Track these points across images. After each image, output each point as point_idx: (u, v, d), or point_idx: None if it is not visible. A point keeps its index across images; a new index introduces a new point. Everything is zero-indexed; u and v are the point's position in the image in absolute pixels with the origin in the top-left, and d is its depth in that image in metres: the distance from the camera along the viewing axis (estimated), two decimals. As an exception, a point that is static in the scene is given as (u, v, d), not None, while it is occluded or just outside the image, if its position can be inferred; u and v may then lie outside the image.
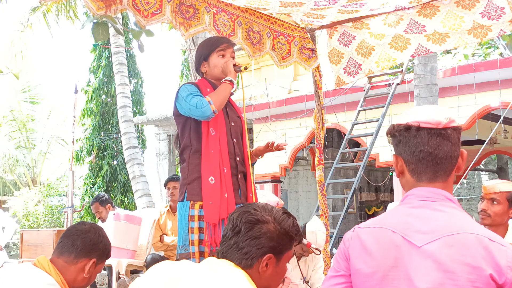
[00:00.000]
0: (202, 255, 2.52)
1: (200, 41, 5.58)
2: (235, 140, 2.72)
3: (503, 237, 2.73)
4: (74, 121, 4.26)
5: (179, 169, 2.86)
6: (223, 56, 2.74)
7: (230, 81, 2.65)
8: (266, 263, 1.52)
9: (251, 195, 2.71)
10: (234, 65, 2.70)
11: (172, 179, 4.97)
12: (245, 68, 2.74)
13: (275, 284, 1.60)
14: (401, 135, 1.41)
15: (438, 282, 1.24)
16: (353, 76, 3.87)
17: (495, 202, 2.77)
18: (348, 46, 3.85)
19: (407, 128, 1.39)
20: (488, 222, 2.77)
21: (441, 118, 1.37)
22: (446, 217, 1.32)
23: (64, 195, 14.23)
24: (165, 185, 4.99)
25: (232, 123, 2.73)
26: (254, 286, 1.45)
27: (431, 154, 1.37)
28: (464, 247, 1.25)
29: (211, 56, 2.74)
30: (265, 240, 1.52)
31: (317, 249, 3.45)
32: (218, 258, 1.55)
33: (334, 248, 7.39)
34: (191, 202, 2.55)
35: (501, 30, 3.26)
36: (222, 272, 1.43)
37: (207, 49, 2.76)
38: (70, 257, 2.10)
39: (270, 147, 2.83)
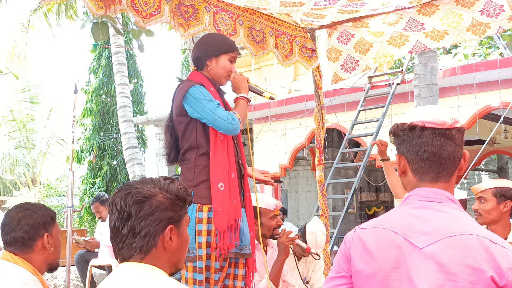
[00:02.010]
0: (208, 258, 2.51)
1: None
2: (235, 142, 2.71)
3: (506, 237, 2.73)
4: (74, 121, 4.25)
5: (179, 169, 2.82)
6: (231, 62, 2.72)
7: (248, 99, 2.69)
8: (170, 236, 1.42)
9: (248, 194, 2.71)
10: (247, 81, 2.73)
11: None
12: (271, 98, 2.77)
13: (183, 256, 1.51)
14: (405, 134, 1.40)
15: (439, 283, 1.24)
16: (350, 72, 3.85)
17: (483, 201, 2.83)
18: (346, 44, 3.85)
19: (412, 127, 1.39)
20: (481, 221, 2.81)
21: (446, 118, 1.36)
22: (447, 218, 1.32)
23: (63, 195, 14.23)
24: None
25: None
26: (163, 275, 1.39)
27: (435, 154, 1.37)
28: (465, 249, 1.25)
29: (221, 56, 2.69)
30: (159, 213, 1.41)
31: (316, 254, 3.43)
32: (117, 256, 1.45)
33: (335, 246, 7.39)
34: (199, 205, 2.52)
35: (499, 27, 3.26)
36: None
37: (221, 48, 2.70)
38: (23, 250, 2.09)
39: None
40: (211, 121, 2.52)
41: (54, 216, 2.17)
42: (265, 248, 3.41)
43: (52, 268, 2.18)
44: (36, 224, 2.10)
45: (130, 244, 1.40)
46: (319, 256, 3.47)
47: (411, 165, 1.41)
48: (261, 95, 2.78)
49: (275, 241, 3.39)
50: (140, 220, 1.39)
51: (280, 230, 3.35)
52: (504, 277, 1.22)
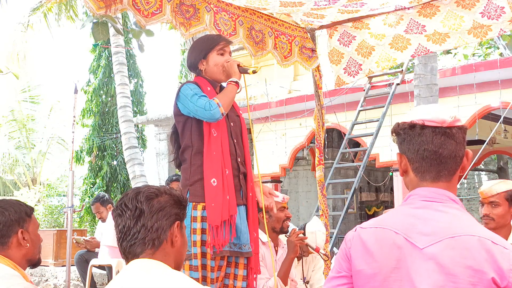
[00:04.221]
0: (204, 256, 2.52)
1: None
2: (235, 140, 2.69)
3: (507, 239, 2.71)
4: (74, 121, 4.26)
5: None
6: (222, 54, 2.71)
7: (236, 82, 2.64)
8: (176, 233, 1.53)
9: (250, 194, 2.70)
10: (238, 65, 2.68)
11: (177, 179, 4.95)
12: (254, 72, 2.69)
13: (184, 257, 1.61)
14: (405, 133, 1.40)
15: (440, 284, 1.23)
16: (353, 76, 3.87)
17: (494, 205, 2.73)
18: (348, 46, 3.85)
19: (412, 126, 1.38)
20: (493, 226, 2.72)
21: (446, 116, 1.36)
22: (449, 219, 1.31)
23: (64, 195, 14.22)
24: (168, 184, 4.94)
25: (232, 123, 2.71)
26: (169, 271, 1.44)
27: (435, 153, 1.36)
28: (466, 250, 1.24)
29: (210, 54, 2.70)
30: (168, 208, 1.52)
31: (325, 254, 3.43)
32: (126, 256, 1.50)
33: (334, 247, 7.39)
34: (194, 204, 2.53)
35: (501, 29, 3.26)
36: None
37: (205, 47, 2.71)
38: None
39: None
40: (194, 112, 2.54)
41: (29, 212, 2.15)
42: (276, 248, 3.41)
43: (34, 264, 2.17)
44: (9, 221, 2.07)
45: (143, 238, 1.48)
46: (328, 257, 3.47)
47: (412, 164, 1.40)
48: (248, 73, 2.71)
49: (285, 241, 3.41)
50: (152, 214, 1.49)
51: (289, 229, 3.36)
52: (505, 279, 1.21)
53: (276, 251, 3.40)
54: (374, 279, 1.32)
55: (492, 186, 2.79)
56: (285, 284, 3.18)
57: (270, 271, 3.19)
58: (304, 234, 3.62)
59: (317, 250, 3.37)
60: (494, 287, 1.21)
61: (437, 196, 1.35)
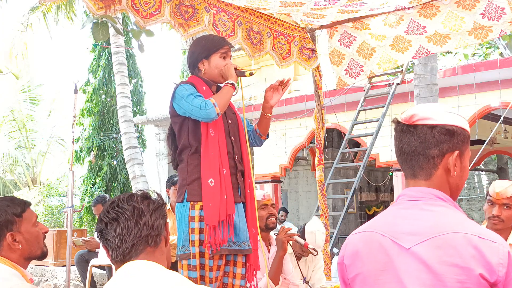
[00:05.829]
0: (202, 256, 2.52)
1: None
2: (233, 138, 2.70)
3: (507, 239, 2.70)
4: (74, 121, 4.25)
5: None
6: (224, 58, 2.71)
7: (232, 84, 2.64)
8: (168, 232, 1.58)
9: (249, 191, 2.71)
10: (235, 68, 2.68)
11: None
12: (251, 74, 2.70)
13: (170, 256, 1.65)
14: (393, 130, 1.43)
15: (428, 284, 1.22)
16: (355, 78, 3.87)
17: (506, 207, 2.73)
18: (349, 47, 3.85)
19: (394, 123, 1.42)
20: (500, 226, 2.72)
21: (403, 114, 1.38)
22: (435, 217, 1.30)
23: (64, 195, 14.21)
24: (171, 186, 4.86)
25: (230, 121, 2.72)
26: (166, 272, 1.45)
27: (401, 149, 1.38)
28: (451, 248, 1.22)
29: (212, 56, 2.69)
30: (161, 208, 1.57)
31: (314, 249, 3.44)
32: (125, 257, 1.47)
33: (334, 247, 7.39)
34: (191, 203, 2.54)
35: (501, 30, 3.26)
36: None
37: (209, 48, 2.70)
38: None
39: (275, 89, 2.82)
40: (190, 112, 2.54)
41: (19, 212, 2.04)
42: (268, 246, 3.41)
43: (38, 258, 2.11)
44: None
45: (145, 236, 1.48)
46: (316, 251, 3.48)
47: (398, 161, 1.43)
48: (245, 75, 2.72)
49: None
50: (151, 213, 1.52)
51: (279, 227, 3.37)
52: (494, 273, 1.19)
53: (269, 250, 3.41)
54: (365, 282, 1.33)
55: (508, 187, 2.76)
56: (276, 283, 3.18)
57: (262, 270, 3.19)
58: (303, 234, 3.62)
59: (305, 246, 3.38)
60: (484, 283, 1.19)
61: (422, 195, 1.34)
